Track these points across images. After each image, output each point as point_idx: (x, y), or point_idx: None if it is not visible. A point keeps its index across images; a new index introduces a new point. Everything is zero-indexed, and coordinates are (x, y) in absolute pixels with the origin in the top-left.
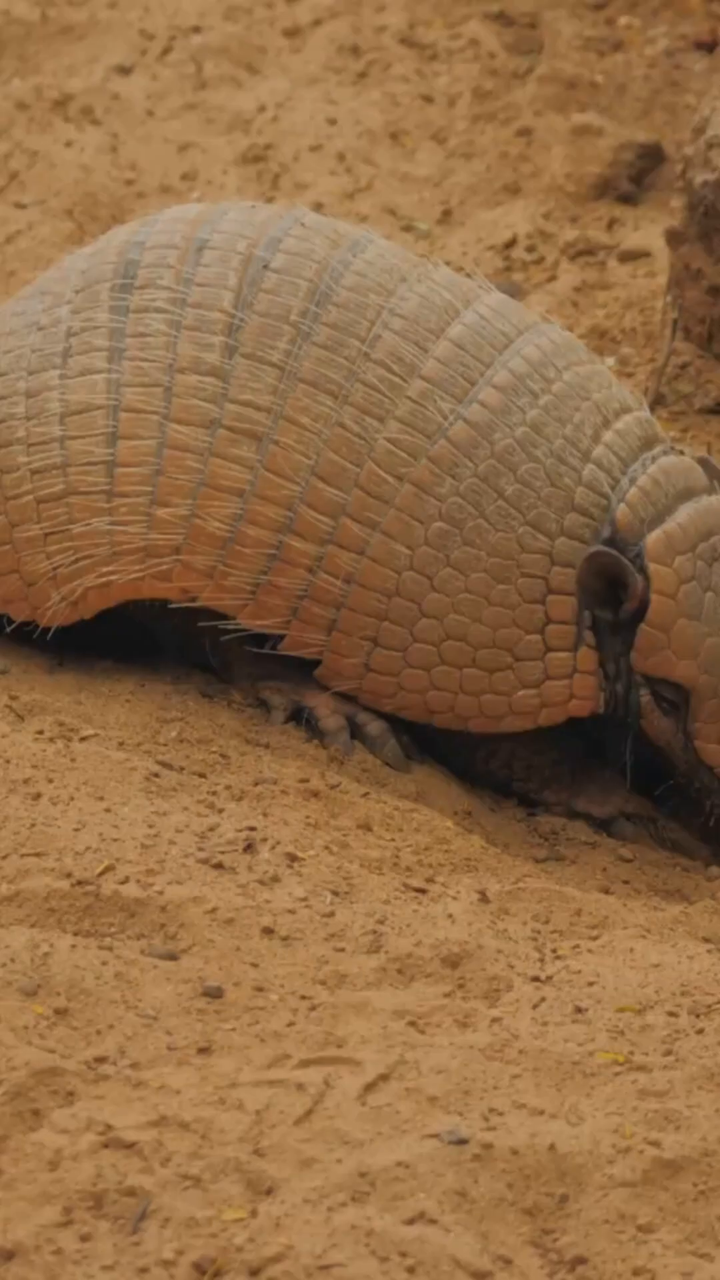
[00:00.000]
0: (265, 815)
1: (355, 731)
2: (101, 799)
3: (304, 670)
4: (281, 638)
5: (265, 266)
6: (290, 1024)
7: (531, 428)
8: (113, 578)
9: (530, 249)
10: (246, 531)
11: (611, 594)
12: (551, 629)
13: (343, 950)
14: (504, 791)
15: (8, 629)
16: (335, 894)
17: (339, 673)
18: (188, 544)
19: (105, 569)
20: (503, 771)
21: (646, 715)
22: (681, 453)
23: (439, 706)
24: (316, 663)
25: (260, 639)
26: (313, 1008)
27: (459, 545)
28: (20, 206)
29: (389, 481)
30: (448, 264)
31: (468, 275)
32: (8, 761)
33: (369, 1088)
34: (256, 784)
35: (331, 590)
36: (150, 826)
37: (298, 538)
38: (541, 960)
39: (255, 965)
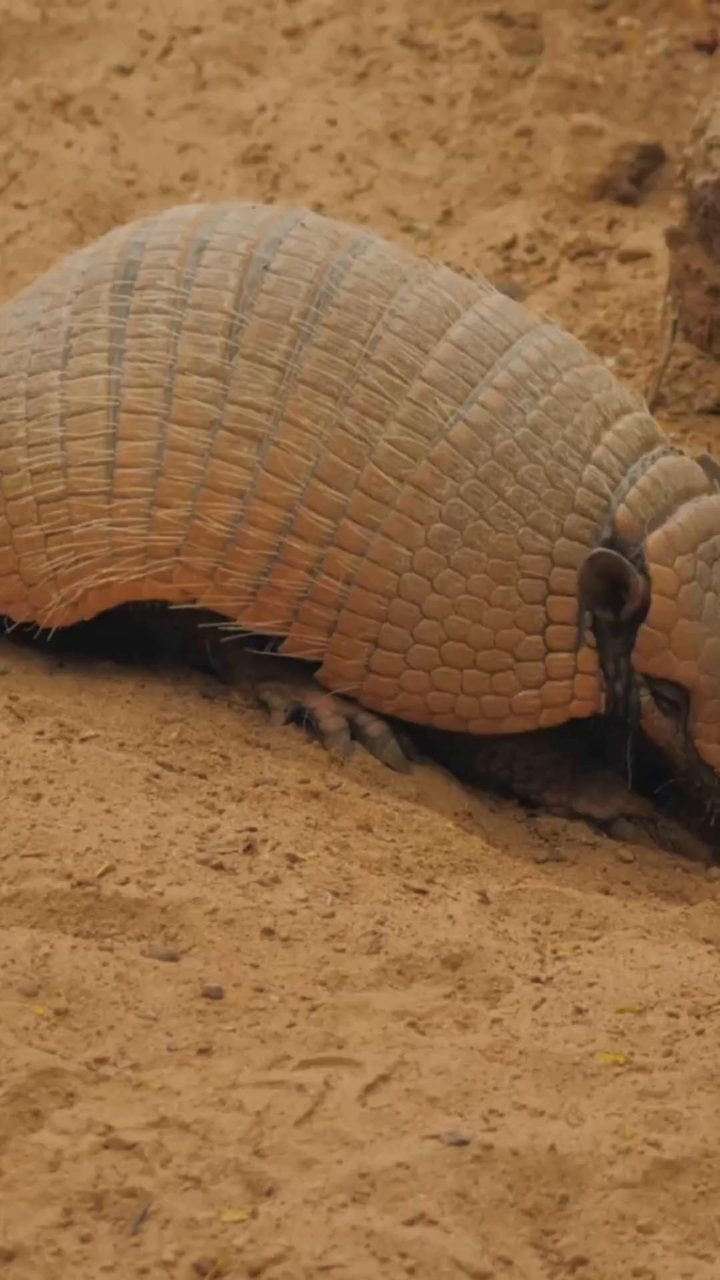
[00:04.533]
0: (266, 816)
1: (356, 733)
2: (102, 800)
3: (304, 671)
4: (282, 639)
5: (266, 267)
6: (290, 1025)
7: (531, 429)
8: (113, 579)
9: (530, 250)
10: (247, 533)
11: (613, 595)
12: (552, 630)
13: (343, 951)
14: (505, 793)
15: (8, 630)
16: (336, 895)
17: (340, 674)
18: (188, 545)
19: (105, 570)
20: (503, 773)
21: (647, 715)
22: (681, 453)
23: (439, 708)
24: (317, 664)
25: (261, 640)
26: (313, 1009)
27: (459, 546)
28: (20, 207)
29: (389, 483)
30: (448, 265)
31: (468, 276)
32: (8, 762)
33: (369, 1089)
34: (257, 785)
35: (332, 592)
36: (151, 828)
37: (298, 539)
38: (542, 961)
39: (255, 966)
